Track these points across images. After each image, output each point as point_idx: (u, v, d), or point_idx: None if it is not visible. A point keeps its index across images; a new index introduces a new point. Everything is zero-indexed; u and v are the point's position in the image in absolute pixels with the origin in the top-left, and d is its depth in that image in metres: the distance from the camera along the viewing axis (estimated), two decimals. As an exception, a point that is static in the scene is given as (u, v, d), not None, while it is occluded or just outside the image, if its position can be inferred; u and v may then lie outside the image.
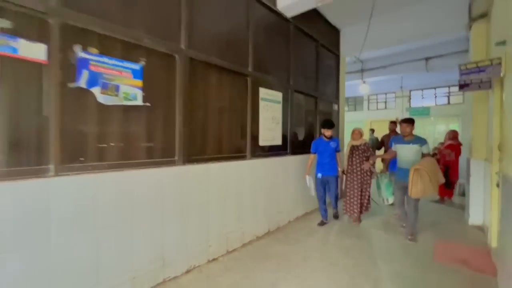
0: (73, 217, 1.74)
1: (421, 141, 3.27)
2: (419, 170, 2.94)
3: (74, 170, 1.78)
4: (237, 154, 3.09)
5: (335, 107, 5.49)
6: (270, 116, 3.61)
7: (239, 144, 3.15)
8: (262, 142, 3.46)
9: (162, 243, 2.28)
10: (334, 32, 5.39)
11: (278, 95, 3.74)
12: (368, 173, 3.86)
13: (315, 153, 3.86)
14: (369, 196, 3.94)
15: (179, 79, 2.42)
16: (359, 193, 3.85)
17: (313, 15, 4.50)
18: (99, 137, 1.92)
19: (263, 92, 3.46)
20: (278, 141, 3.78)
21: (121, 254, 2.00)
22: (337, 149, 3.85)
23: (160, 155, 2.29)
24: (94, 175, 1.85)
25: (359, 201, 3.85)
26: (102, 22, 1.90)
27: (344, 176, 3.97)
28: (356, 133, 3.90)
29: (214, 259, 2.72)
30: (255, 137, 3.35)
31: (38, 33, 1.65)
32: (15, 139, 1.58)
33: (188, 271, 2.46)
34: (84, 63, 1.81)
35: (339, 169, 3.87)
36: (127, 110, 2.06)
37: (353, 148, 3.91)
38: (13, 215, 1.52)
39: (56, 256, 1.68)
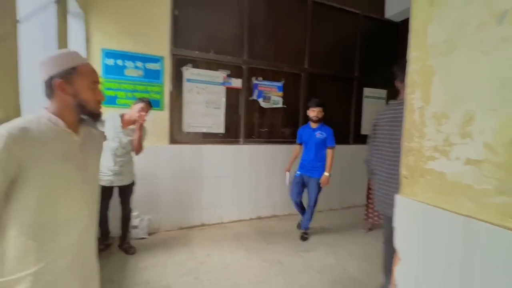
0: (243, 160, 3.47)
1: None
2: None
3: (250, 142, 3.49)
4: (342, 140, 4.14)
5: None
6: (373, 111, 4.36)
7: (345, 131, 4.17)
8: (364, 131, 4.31)
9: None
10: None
11: (382, 92, 4.42)
12: None
13: (300, 143, 3.10)
14: None
15: (302, 88, 3.75)
16: None
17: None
18: (260, 125, 3.56)
19: (367, 91, 4.28)
20: (380, 131, 4.47)
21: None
22: (328, 143, 2.87)
23: (290, 136, 3.74)
24: (257, 145, 3.50)
25: None
26: (264, 62, 3.48)
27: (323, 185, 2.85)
28: None
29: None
30: (357, 128, 4.26)
31: (238, 74, 3.38)
32: (228, 125, 3.40)
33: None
34: (256, 86, 3.45)
35: (325, 172, 2.82)
36: (274, 110, 3.61)
37: None
38: (228, 157, 3.35)
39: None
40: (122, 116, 2.34)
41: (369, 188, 3.23)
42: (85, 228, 0.92)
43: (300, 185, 3.00)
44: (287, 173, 3.13)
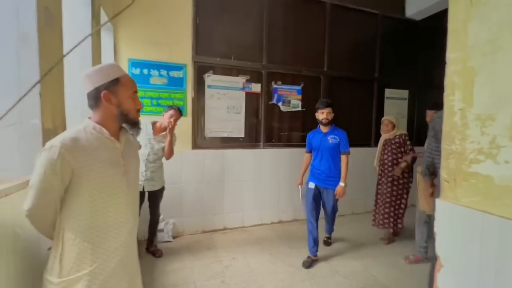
0: (263, 164, 3.48)
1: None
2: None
3: (270, 146, 3.50)
4: (364, 142, 4.06)
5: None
6: (395, 112, 4.25)
7: (366, 133, 4.09)
8: (386, 133, 4.20)
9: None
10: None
11: (404, 93, 4.30)
12: (401, 181, 2.88)
13: (310, 151, 2.70)
14: (403, 214, 2.96)
15: (322, 91, 3.72)
16: (394, 201, 2.92)
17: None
18: (279, 129, 3.57)
19: (388, 92, 4.18)
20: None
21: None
22: (342, 148, 2.52)
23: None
24: (277, 149, 3.51)
25: (393, 209, 2.91)
26: (283, 66, 3.50)
27: (340, 194, 2.49)
28: (386, 124, 3.01)
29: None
30: (379, 130, 4.16)
31: (257, 79, 3.42)
32: (248, 129, 3.43)
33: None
34: (275, 90, 3.47)
35: (341, 182, 2.47)
36: (294, 113, 3.61)
37: (385, 143, 3.03)
38: (249, 161, 3.37)
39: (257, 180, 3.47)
40: (153, 123, 2.44)
41: (377, 193, 3.07)
42: (130, 230, 0.97)
43: (317, 198, 2.59)
44: (300, 186, 2.76)
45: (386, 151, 2.96)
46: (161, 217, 2.80)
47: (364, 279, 2.29)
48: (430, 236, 2.49)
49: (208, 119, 3.21)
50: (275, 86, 3.48)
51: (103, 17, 2.29)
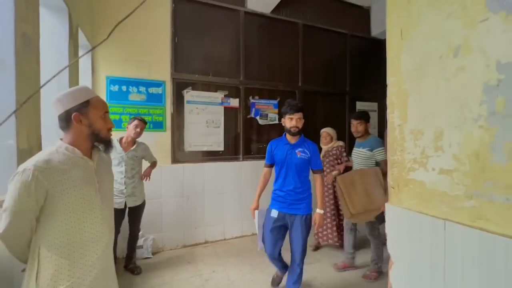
0: (243, 176, 3.56)
1: (374, 143, 2.46)
2: (343, 178, 2.35)
3: (249, 158, 3.61)
4: (338, 152, 4.28)
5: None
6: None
7: (339, 145, 4.32)
8: (359, 143, 4.46)
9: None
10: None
11: (373, 105, 4.61)
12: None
13: (271, 165, 2.17)
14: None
15: (298, 105, 3.92)
16: (336, 213, 3.00)
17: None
18: (258, 141, 3.70)
19: (359, 104, 4.47)
20: (374, 142, 4.64)
21: (269, 205, 3.69)
22: (314, 166, 2.04)
23: (287, 151, 3.87)
24: (256, 161, 3.61)
25: (335, 223, 2.98)
26: (260, 82, 3.67)
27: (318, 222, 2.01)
28: (324, 136, 3.09)
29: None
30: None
31: (235, 94, 3.56)
32: (227, 142, 3.53)
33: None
34: (253, 104, 3.62)
35: (318, 209, 2.00)
36: (271, 126, 3.76)
37: (324, 155, 3.07)
38: (229, 173, 3.44)
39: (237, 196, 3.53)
40: (120, 140, 2.42)
41: None
42: (107, 244, 1.01)
43: (279, 229, 2.02)
44: (256, 212, 2.11)
45: (325, 163, 3.00)
46: (140, 233, 2.78)
47: None
48: (356, 245, 2.66)
49: (188, 133, 3.27)
50: (252, 100, 3.63)
51: (81, 37, 2.34)
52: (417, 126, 1.01)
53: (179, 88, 3.22)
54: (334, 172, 2.89)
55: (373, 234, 2.42)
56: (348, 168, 2.86)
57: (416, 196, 1.02)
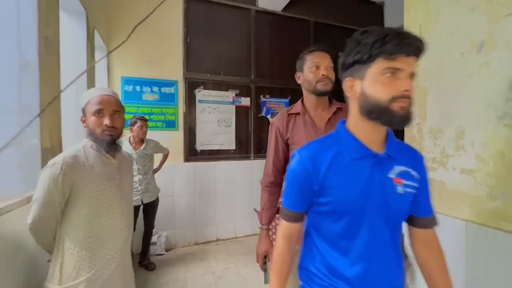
0: (254, 174, 3.57)
1: None
2: None
3: (260, 157, 3.61)
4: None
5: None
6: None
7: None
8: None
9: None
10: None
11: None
12: None
13: (302, 214, 0.78)
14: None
15: (309, 103, 3.89)
16: None
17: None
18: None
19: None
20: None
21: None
22: (420, 208, 0.77)
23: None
24: (268, 160, 3.62)
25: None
26: (271, 81, 3.66)
27: None
28: None
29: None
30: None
31: (247, 93, 3.56)
32: (239, 141, 3.54)
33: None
34: (264, 103, 3.61)
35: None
36: (282, 125, 3.74)
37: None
38: (240, 172, 3.47)
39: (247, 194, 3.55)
40: (129, 140, 2.49)
41: None
42: (125, 239, 1.05)
43: None
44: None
45: None
46: (154, 230, 2.84)
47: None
48: None
49: (200, 132, 3.31)
50: (263, 99, 3.62)
51: (97, 39, 2.41)
52: (437, 125, 0.98)
53: (191, 88, 3.25)
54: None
55: None
56: None
57: (436, 197, 0.99)
